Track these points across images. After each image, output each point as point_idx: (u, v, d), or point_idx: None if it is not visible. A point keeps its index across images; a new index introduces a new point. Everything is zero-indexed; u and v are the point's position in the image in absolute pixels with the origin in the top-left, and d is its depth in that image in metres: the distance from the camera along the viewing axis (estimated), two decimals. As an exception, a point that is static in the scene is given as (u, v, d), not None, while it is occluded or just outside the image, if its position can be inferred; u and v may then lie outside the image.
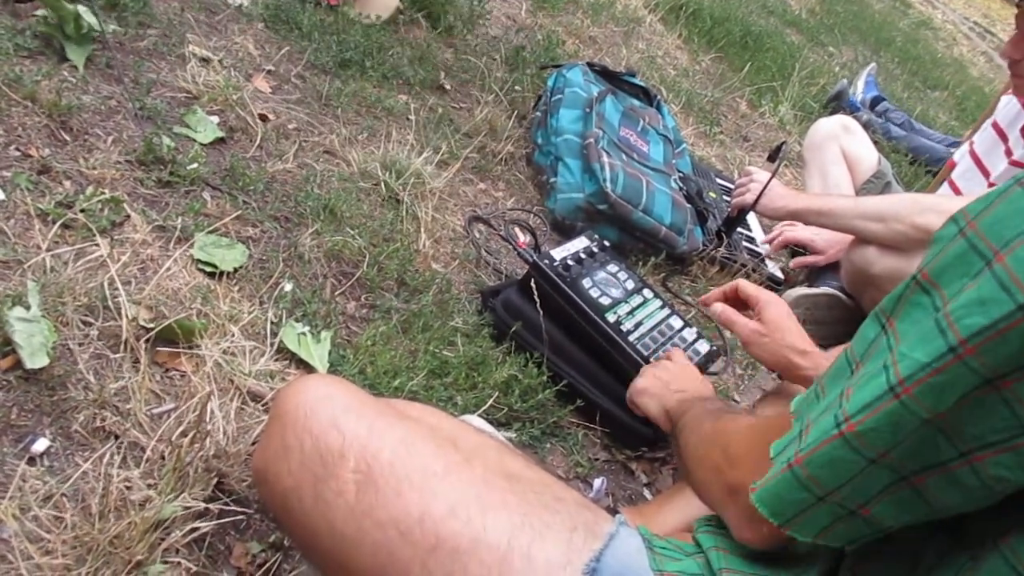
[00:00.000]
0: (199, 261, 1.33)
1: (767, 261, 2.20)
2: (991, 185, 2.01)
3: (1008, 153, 2.03)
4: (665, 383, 1.18)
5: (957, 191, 2.13)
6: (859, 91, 3.77)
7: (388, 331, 1.38)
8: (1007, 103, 2.12)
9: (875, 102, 3.73)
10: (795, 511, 0.64)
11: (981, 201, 0.57)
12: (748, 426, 0.77)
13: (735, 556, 0.77)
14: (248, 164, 1.58)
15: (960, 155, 2.22)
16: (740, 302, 1.23)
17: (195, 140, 1.57)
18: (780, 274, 2.19)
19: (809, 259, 2.23)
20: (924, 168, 3.37)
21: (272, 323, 1.29)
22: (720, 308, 1.22)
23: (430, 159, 1.82)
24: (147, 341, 1.15)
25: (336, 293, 1.43)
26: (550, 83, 2.17)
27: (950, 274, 0.56)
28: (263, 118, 1.72)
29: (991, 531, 0.58)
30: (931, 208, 1.84)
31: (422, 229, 1.65)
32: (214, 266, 1.33)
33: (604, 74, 2.28)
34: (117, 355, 1.12)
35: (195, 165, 1.49)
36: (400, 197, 1.69)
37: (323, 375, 1.11)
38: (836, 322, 2.08)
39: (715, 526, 0.84)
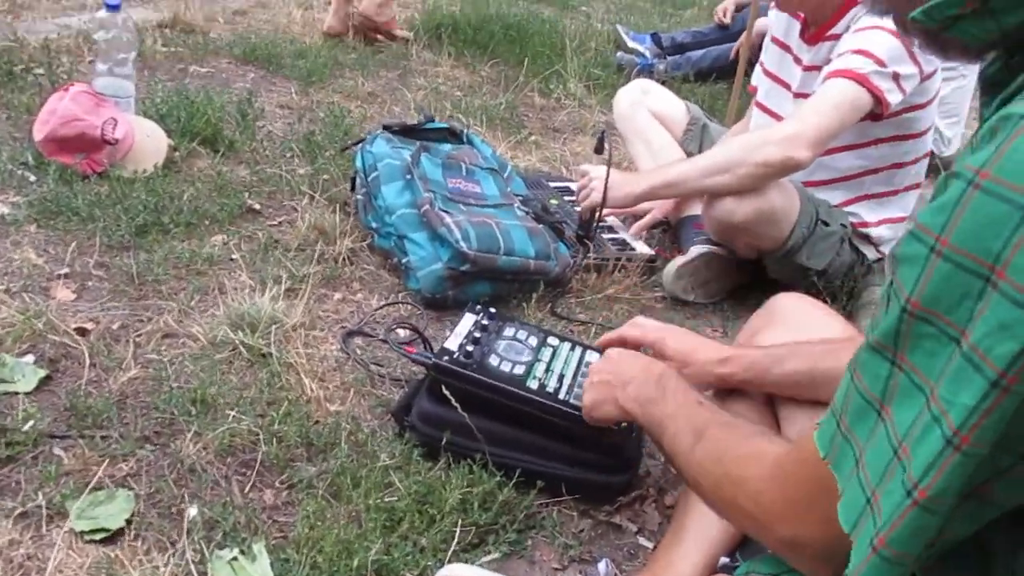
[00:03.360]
0: (83, 533, 1.15)
1: (635, 246, 2.19)
2: (796, 95, 2.08)
3: (797, 61, 2.11)
4: (608, 383, 1.14)
5: (768, 111, 2.19)
6: (636, 47, 3.90)
7: (319, 506, 1.25)
8: (777, 16, 2.20)
9: (656, 41, 3.87)
10: None
11: (935, 212, 0.54)
12: (771, 472, 0.74)
13: None
14: (88, 392, 1.40)
15: (756, 78, 2.29)
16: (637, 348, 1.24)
17: (17, 392, 1.37)
18: (652, 252, 2.18)
19: (645, 221, 2.24)
20: (714, 80, 3.62)
21: (194, 564, 1.13)
22: None
23: (276, 295, 1.68)
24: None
25: (246, 491, 1.28)
26: (359, 163, 2.06)
27: (947, 299, 0.54)
28: (82, 332, 1.53)
29: None
30: (763, 142, 1.89)
31: (302, 374, 1.52)
32: (104, 529, 1.16)
33: (405, 132, 2.19)
34: None
35: (31, 422, 1.30)
36: (264, 351, 1.55)
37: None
38: (720, 276, 2.11)
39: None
